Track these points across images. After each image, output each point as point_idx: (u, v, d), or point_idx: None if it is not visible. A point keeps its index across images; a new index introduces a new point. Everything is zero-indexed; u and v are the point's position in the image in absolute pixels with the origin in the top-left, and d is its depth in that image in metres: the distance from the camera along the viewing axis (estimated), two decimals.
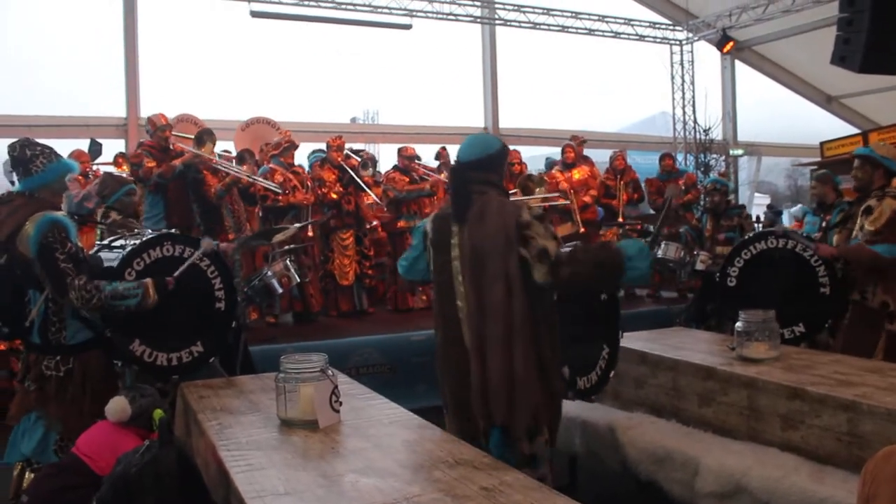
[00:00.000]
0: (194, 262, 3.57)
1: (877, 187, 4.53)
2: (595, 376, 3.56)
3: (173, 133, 7.04)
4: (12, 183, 3.33)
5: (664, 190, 9.17)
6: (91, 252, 3.76)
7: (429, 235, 3.14)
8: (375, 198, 7.91)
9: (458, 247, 2.95)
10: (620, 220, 8.74)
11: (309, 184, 7.52)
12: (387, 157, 9.29)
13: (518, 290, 2.79)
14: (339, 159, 7.68)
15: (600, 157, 10.13)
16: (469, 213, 2.92)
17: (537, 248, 2.78)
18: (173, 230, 4.80)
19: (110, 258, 3.60)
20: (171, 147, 6.82)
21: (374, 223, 8.40)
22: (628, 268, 2.86)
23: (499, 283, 2.80)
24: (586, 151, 9.50)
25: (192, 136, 6.98)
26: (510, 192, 6.00)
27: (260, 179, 7.07)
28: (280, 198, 7.12)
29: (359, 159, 8.00)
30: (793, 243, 4.65)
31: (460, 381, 2.91)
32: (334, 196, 7.43)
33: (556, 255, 2.78)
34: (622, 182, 9.14)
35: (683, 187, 9.07)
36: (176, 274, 3.44)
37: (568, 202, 8.41)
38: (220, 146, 7.72)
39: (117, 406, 2.91)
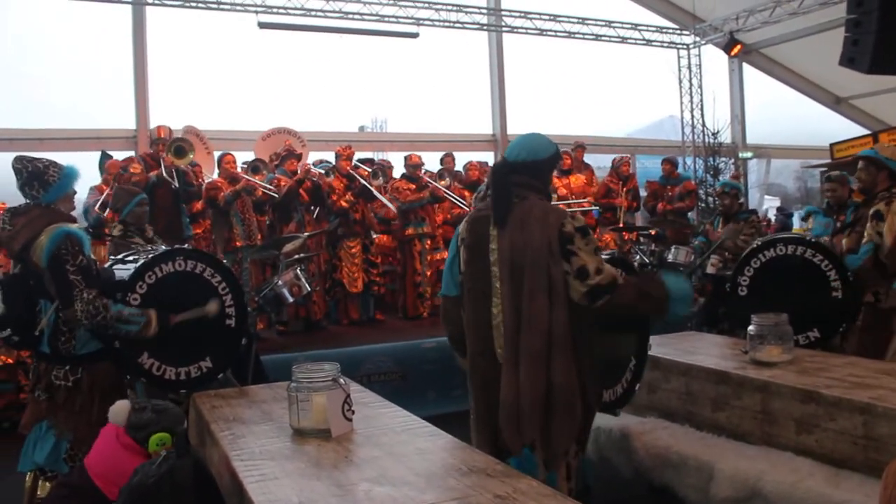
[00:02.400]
0: (205, 279, 3.60)
1: (881, 189, 4.50)
2: (620, 388, 3.39)
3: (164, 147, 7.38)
4: (34, 197, 3.35)
5: (660, 194, 9.26)
6: (104, 266, 3.79)
7: (462, 237, 2.98)
8: (388, 203, 7.87)
9: (497, 252, 2.80)
10: (620, 225, 8.78)
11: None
12: (396, 166, 9.31)
13: (560, 302, 2.68)
14: (348, 168, 7.72)
15: (609, 162, 10.12)
16: (510, 217, 2.77)
17: (577, 265, 2.67)
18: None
19: (123, 274, 3.61)
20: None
21: (376, 236, 8.33)
22: (668, 309, 2.78)
23: (539, 294, 2.67)
24: (595, 156, 9.54)
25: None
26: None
27: (255, 181, 7.31)
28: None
29: (368, 170, 8.02)
30: (802, 249, 4.50)
31: (487, 395, 2.81)
32: (344, 204, 7.46)
33: (595, 278, 2.65)
34: (625, 189, 9.17)
35: (684, 192, 9.13)
36: (178, 318, 3.44)
37: (592, 209, 8.52)
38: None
39: (119, 408, 2.86)
